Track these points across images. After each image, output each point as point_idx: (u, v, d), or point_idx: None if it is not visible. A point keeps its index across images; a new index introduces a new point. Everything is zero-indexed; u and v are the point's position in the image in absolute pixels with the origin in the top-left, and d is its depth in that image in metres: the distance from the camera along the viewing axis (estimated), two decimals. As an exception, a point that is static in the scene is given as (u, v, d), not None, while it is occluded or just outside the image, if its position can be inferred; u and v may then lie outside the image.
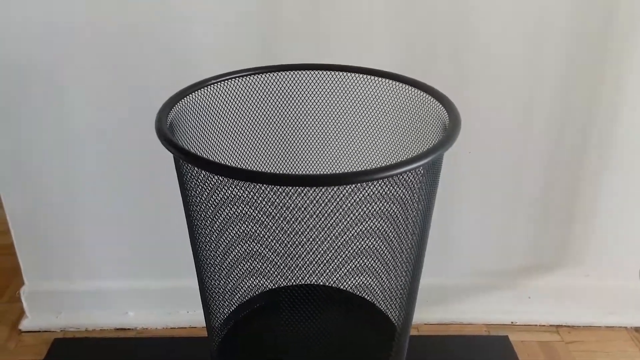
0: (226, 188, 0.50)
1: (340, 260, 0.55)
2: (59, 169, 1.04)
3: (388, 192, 0.50)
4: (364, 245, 0.55)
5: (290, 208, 0.52)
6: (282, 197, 0.52)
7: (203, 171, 0.49)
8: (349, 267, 0.56)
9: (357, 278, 0.59)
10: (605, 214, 1.10)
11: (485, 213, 1.10)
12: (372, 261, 0.57)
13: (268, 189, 0.51)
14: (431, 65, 0.94)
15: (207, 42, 0.92)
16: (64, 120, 0.99)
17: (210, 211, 0.52)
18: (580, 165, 1.05)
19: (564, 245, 1.14)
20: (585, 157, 1.04)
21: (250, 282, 0.58)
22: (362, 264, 0.57)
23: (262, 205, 0.53)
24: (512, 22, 0.92)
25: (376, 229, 0.54)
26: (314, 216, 0.52)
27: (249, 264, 0.56)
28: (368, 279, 0.59)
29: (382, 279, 0.59)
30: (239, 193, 0.51)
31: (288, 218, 0.53)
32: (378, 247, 0.55)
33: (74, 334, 1.16)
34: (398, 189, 0.50)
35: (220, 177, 0.49)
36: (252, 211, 0.52)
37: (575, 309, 1.18)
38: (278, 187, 0.48)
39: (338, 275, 0.57)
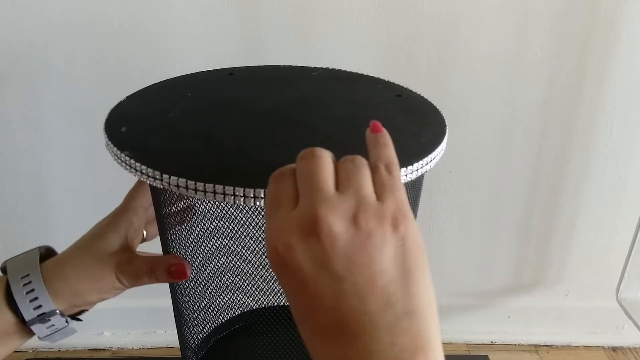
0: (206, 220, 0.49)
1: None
2: (32, 182, 1.01)
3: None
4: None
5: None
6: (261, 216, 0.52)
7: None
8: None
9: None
10: (584, 235, 1.11)
11: (466, 233, 1.10)
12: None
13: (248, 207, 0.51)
14: (412, 79, 0.95)
15: (188, 34, 0.91)
16: (37, 125, 0.96)
17: (187, 235, 0.52)
18: (559, 187, 1.06)
19: (543, 266, 1.15)
20: (565, 178, 1.05)
21: (226, 303, 0.57)
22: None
23: (239, 225, 0.52)
24: (493, 44, 0.93)
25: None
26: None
27: (226, 285, 0.55)
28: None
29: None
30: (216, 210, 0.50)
31: (264, 238, 0.52)
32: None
33: (46, 354, 1.13)
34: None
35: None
36: (228, 229, 0.52)
37: (554, 329, 1.19)
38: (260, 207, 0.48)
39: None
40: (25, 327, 0.42)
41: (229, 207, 0.51)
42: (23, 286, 0.41)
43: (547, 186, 1.06)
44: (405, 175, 0.36)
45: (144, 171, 0.37)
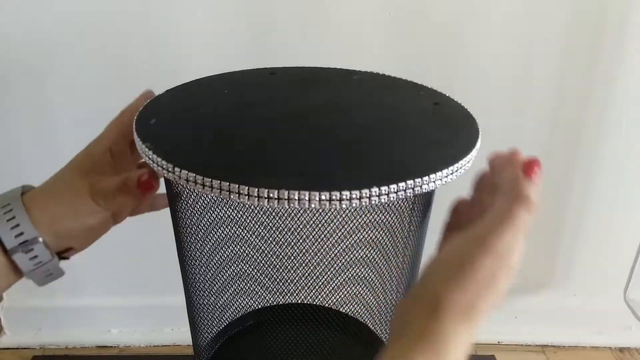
0: (219, 209, 0.49)
1: (333, 285, 0.55)
2: (40, 178, 1.01)
3: (383, 219, 0.50)
4: (355, 273, 0.55)
5: (280, 229, 0.52)
6: (275, 219, 0.52)
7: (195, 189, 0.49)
8: (341, 293, 0.56)
9: (349, 301, 0.58)
10: (592, 235, 1.11)
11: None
12: (363, 288, 0.57)
13: (261, 211, 0.51)
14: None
15: (193, 34, 0.91)
16: (40, 125, 0.97)
17: (202, 232, 0.52)
18: (567, 186, 1.06)
19: (550, 266, 1.15)
20: (572, 179, 1.05)
21: (240, 300, 0.57)
22: (354, 291, 0.56)
23: (253, 226, 0.52)
24: (500, 45, 0.93)
25: (367, 257, 0.54)
26: (301, 240, 0.52)
27: (238, 282, 0.56)
28: (359, 304, 0.59)
29: (371, 305, 0.59)
30: (231, 214, 0.51)
31: (279, 239, 0.52)
32: (369, 275, 0.55)
33: (53, 351, 1.13)
34: (392, 215, 0.50)
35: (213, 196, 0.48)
36: (242, 232, 0.52)
37: (561, 329, 1.19)
38: (270, 209, 0.48)
39: (332, 298, 0.57)
40: (7, 257, 0.41)
41: (242, 207, 0.51)
42: (4, 214, 0.41)
43: (554, 186, 1.06)
44: (405, 191, 0.35)
45: (156, 161, 0.37)
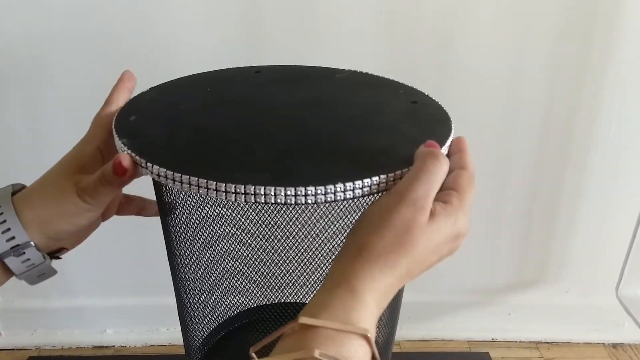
0: (207, 207, 0.50)
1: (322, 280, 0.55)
2: (32, 177, 1.02)
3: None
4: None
5: (271, 225, 0.52)
6: (264, 214, 0.52)
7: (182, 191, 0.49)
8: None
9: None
10: (585, 232, 1.11)
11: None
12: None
13: (249, 207, 0.51)
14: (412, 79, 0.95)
15: (189, 32, 0.91)
16: (40, 124, 0.97)
17: (191, 230, 0.52)
18: (560, 184, 1.07)
19: (544, 263, 1.15)
20: (565, 176, 1.06)
21: (230, 300, 0.57)
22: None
23: (243, 223, 0.52)
24: (492, 44, 0.93)
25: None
26: (293, 235, 0.53)
27: (229, 282, 0.56)
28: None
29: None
30: (220, 212, 0.51)
31: (269, 236, 0.53)
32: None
33: (49, 352, 1.14)
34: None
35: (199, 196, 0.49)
36: (232, 229, 0.52)
37: (555, 326, 1.19)
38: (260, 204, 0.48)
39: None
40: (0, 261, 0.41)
41: (232, 210, 0.51)
42: None
43: (547, 184, 1.07)
44: (370, 187, 0.36)
45: (135, 159, 0.38)
